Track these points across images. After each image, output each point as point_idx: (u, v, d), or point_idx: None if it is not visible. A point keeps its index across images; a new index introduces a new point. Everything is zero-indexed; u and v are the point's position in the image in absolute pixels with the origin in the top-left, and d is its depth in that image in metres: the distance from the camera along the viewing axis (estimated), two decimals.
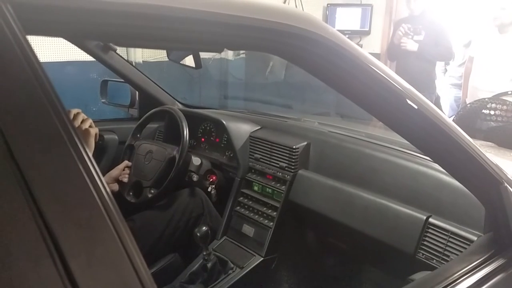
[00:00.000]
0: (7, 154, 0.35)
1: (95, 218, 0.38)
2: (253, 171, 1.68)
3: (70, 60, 2.99)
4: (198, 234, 1.38)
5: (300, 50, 0.65)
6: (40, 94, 0.38)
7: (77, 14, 0.45)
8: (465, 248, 1.07)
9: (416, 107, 0.73)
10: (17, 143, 0.36)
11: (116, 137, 1.93)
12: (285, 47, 0.64)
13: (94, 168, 0.39)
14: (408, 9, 3.38)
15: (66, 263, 0.36)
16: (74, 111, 1.38)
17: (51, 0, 0.42)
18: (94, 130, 1.40)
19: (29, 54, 0.39)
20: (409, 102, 0.73)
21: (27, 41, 0.39)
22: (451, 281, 0.84)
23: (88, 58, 1.80)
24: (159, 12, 0.50)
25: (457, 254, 1.09)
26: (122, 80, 1.96)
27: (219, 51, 0.67)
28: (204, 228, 1.39)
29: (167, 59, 1.43)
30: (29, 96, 0.38)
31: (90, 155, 0.40)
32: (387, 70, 0.72)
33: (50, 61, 2.86)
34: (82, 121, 1.38)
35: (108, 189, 0.39)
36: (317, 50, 0.65)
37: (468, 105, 2.25)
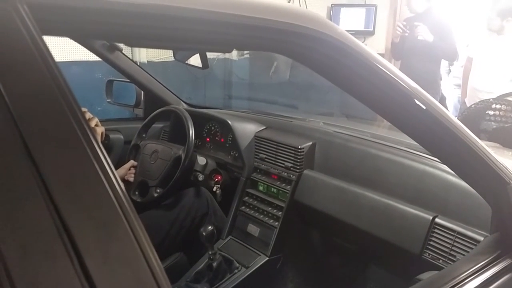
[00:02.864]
0: (25, 153, 0.36)
1: (111, 216, 0.38)
2: (258, 171, 1.69)
3: (75, 60, 3.01)
4: (203, 234, 1.39)
5: (309, 50, 0.65)
6: (57, 94, 0.39)
7: (91, 15, 0.45)
8: (472, 249, 1.07)
9: (424, 107, 0.74)
10: (35, 142, 0.37)
11: (122, 136, 1.94)
12: (294, 47, 0.64)
13: (109, 166, 0.39)
14: (408, 9, 3.38)
15: (83, 261, 0.36)
16: None
17: (67, 0, 0.43)
18: (100, 129, 1.40)
19: (45, 54, 0.39)
20: (417, 102, 0.73)
21: (43, 41, 0.40)
22: (458, 281, 0.84)
23: (94, 58, 1.81)
24: (170, 12, 0.50)
25: (463, 254, 1.09)
26: (128, 80, 1.97)
27: (228, 51, 0.67)
28: (209, 227, 1.40)
29: (172, 59, 1.43)
30: (45, 96, 0.38)
31: (105, 153, 0.40)
32: (395, 70, 0.73)
33: (56, 61, 2.87)
34: (88, 120, 1.38)
35: (123, 188, 0.40)
36: (326, 50, 0.66)
37: (473, 106, 2.24)
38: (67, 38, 1.99)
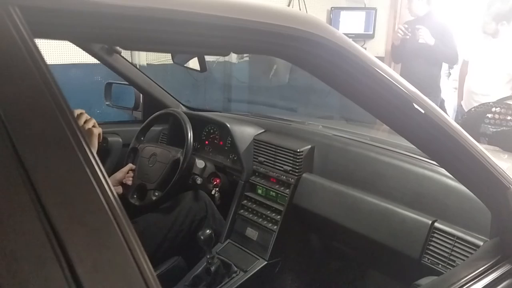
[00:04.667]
0: (14, 157, 0.35)
1: (102, 222, 0.38)
2: (257, 174, 1.68)
3: (74, 62, 3.00)
4: (201, 237, 1.38)
5: (307, 53, 0.64)
6: (48, 97, 0.38)
7: (85, 18, 0.44)
8: (471, 253, 1.06)
9: (423, 111, 0.73)
10: (24, 146, 0.36)
11: (120, 139, 1.93)
12: (292, 51, 0.64)
13: (100, 171, 0.39)
14: (409, 12, 3.38)
15: (73, 268, 0.35)
16: (77, 111, 1.38)
17: (59, 3, 0.42)
18: (98, 130, 1.40)
19: (36, 57, 0.39)
20: (416, 106, 0.73)
21: (34, 44, 0.39)
22: (457, 287, 0.83)
23: (93, 60, 1.81)
24: (166, 15, 0.50)
25: (463, 259, 1.08)
26: (127, 83, 1.96)
27: (226, 54, 0.66)
28: (207, 231, 1.39)
29: (171, 62, 1.43)
30: (36, 99, 0.38)
31: (97, 158, 0.39)
32: (394, 74, 0.72)
33: (55, 63, 2.87)
34: (85, 121, 1.38)
35: (114, 193, 0.39)
36: (323, 54, 0.65)
37: (473, 109, 2.24)
38: (66, 41, 1.99)
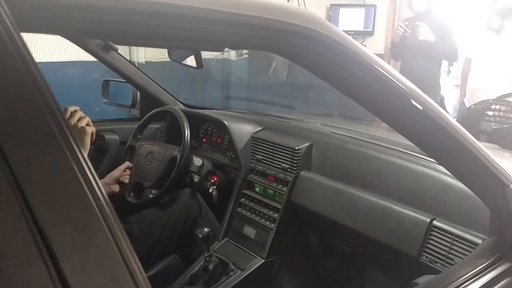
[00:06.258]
0: None
1: (90, 220, 0.37)
2: (254, 172, 1.67)
3: (72, 60, 2.99)
4: (200, 235, 1.37)
5: (303, 49, 0.63)
6: (34, 93, 0.37)
7: (74, 11, 0.43)
8: (470, 252, 1.05)
9: (421, 108, 0.72)
10: (10, 143, 0.35)
11: (117, 137, 1.92)
12: (288, 46, 0.63)
13: (89, 169, 0.38)
14: (409, 9, 3.37)
15: (59, 267, 0.34)
16: (71, 108, 1.35)
17: None
18: (91, 129, 1.37)
19: (23, 51, 0.38)
20: (413, 102, 0.72)
21: (21, 38, 0.38)
22: (456, 285, 0.82)
23: (91, 58, 1.80)
24: (159, 9, 0.49)
25: (461, 258, 1.07)
26: (124, 80, 1.95)
27: (220, 50, 0.65)
28: (206, 229, 1.38)
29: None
30: (22, 95, 0.37)
31: (86, 155, 0.38)
32: (392, 70, 0.71)
33: (52, 61, 2.86)
34: (79, 119, 1.35)
35: (103, 191, 0.38)
36: (321, 50, 0.64)
37: (472, 107, 2.23)
38: (64, 39, 1.97)
